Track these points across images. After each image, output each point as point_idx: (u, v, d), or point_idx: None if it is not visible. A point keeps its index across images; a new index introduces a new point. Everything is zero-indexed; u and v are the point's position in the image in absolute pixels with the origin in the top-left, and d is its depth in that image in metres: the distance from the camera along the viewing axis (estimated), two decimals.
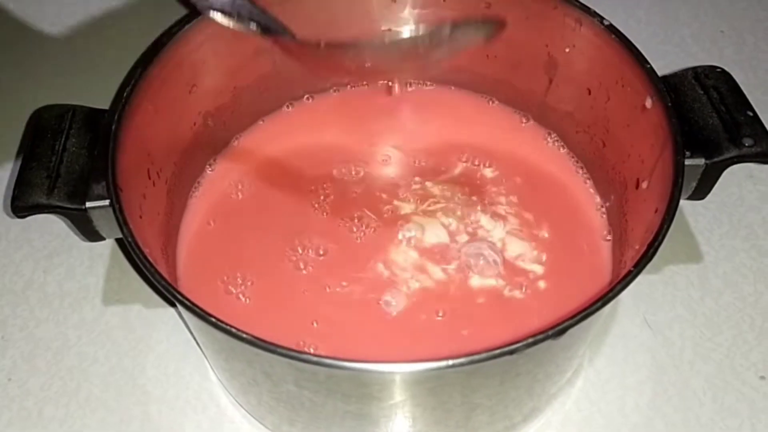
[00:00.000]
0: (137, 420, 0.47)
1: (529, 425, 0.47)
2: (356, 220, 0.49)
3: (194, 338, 0.49)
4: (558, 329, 0.34)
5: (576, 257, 0.48)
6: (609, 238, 0.49)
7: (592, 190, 0.51)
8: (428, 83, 0.57)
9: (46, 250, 0.55)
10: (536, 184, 0.52)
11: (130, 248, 0.37)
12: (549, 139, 0.54)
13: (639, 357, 0.49)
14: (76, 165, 0.43)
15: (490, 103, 0.56)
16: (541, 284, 0.47)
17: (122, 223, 0.38)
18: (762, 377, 0.48)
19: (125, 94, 0.43)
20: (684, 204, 0.56)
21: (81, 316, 0.52)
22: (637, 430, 0.47)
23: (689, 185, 0.43)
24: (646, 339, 0.50)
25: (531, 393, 0.42)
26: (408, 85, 0.57)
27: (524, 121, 0.55)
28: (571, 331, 0.34)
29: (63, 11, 0.70)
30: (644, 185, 0.44)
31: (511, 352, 0.33)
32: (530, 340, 0.33)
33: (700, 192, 0.44)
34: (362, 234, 0.49)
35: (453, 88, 0.57)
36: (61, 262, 0.55)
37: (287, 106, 0.56)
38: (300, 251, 0.48)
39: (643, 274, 0.49)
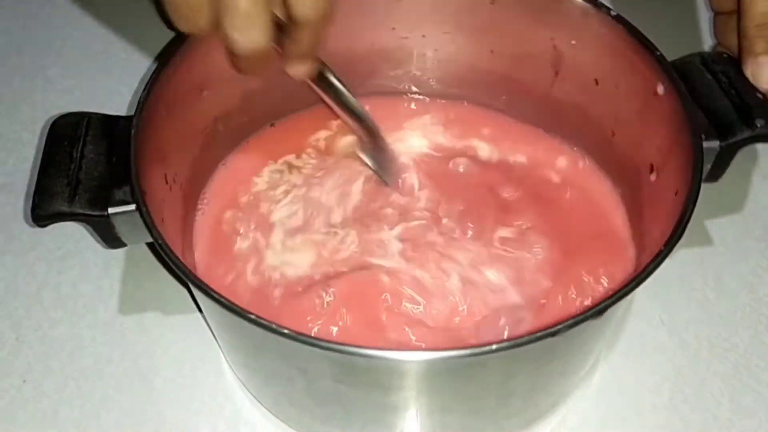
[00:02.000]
0: (152, 421, 0.47)
1: (547, 422, 0.47)
2: None
3: (216, 340, 0.49)
4: (598, 309, 0.34)
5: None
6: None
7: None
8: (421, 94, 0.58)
9: (60, 251, 0.55)
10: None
11: (162, 252, 0.37)
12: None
13: (655, 358, 0.49)
14: (95, 171, 0.42)
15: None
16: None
17: (151, 226, 0.38)
18: None
19: (141, 98, 0.43)
20: (698, 204, 0.56)
21: (95, 317, 0.52)
22: (654, 431, 0.46)
23: (704, 168, 0.44)
24: (662, 340, 0.50)
25: (564, 376, 0.43)
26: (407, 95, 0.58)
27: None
28: (608, 311, 0.35)
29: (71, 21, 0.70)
30: (660, 171, 0.45)
31: (553, 334, 0.33)
32: (571, 321, 0.34)
33: (715, 174, 0.45)
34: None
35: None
36: (75, 264, 0.54)
37: (270, 125, 0.56)
38: None
39: (659, 275, 0.50)
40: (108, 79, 0.65)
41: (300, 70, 0.42)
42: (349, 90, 0.47)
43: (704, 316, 0.51)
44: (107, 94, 0.64)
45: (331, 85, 0.46)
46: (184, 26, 0.37)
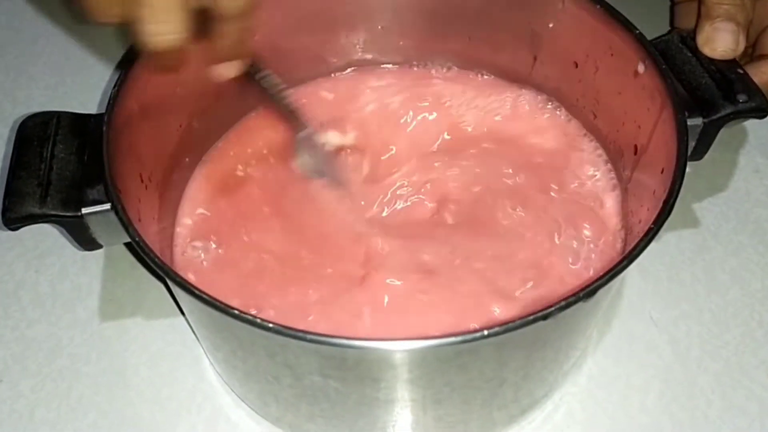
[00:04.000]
0: (130, 422, 0.47)
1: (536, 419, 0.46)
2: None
3: (198, 339, 0.48)
4: (589, 290, 0.33)
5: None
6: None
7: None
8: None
9: (38, 249, 0.54)
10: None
11: (141, 251, 0.36)
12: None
13: (645, 355, 0.48)
14: (66, 171, 0.41)
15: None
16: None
17: (128, 224, 0.37)
18: None
19: (112, 95, 0.42)
20: (691, 199, 0.55)
21: (74, 317, 0.51)
22: (644, 430, 0.46)
23: (689, 145, 0.43)
24: (652, 337, 0.49)
25: (556, 362, 0.42)
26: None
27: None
28: (598, 294, 0.34)
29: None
30: (644, 151, 0.44)
31: (545, 317, 0.33)
32: (562, 303, 0.33)
33: (699, 152, 0.44)
34: None
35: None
36: (53, 262, 0.53)
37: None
38: None
39: (649, 270, 0.49)
40: (91, 77, 0.64)
41: (227, 69, 0.40)
42: (281, 88, 0.44)
43: (695, 312, 0.50)
44: (90, 92, 0.63)
45: (262, 84, 0.43)
46: (95, 16, 0.34)
